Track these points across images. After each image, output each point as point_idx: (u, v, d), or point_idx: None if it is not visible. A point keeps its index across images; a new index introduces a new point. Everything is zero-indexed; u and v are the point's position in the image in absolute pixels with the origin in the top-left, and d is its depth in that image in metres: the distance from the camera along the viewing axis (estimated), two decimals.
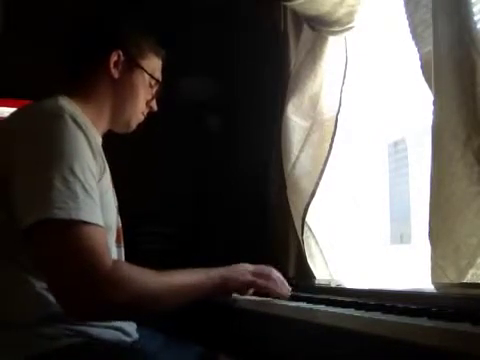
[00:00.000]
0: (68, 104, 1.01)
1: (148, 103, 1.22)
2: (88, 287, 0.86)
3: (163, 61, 1.24)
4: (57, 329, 0.93)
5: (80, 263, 0.86)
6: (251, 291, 1.16)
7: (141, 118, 1.23)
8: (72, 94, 1.08)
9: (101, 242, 0.90)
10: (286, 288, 1.19)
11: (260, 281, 1.13)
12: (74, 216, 0.87)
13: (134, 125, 1.22)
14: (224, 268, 1.10)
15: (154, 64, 1.22)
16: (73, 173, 0.90)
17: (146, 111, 1.23)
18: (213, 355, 1.25)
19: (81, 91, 1.12)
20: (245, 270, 1.12)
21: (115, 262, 0.93)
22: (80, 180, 0.90)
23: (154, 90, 1.23)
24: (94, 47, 1.15)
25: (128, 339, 1.06)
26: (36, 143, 0.93)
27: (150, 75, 1.20)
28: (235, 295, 1.19)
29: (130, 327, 1.08)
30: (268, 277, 1.16)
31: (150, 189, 2.24)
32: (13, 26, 2.23)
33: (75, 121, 0.95)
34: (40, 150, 0.92)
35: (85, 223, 0.88)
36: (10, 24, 2.23)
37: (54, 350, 0.91)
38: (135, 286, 0.91)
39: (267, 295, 1.19)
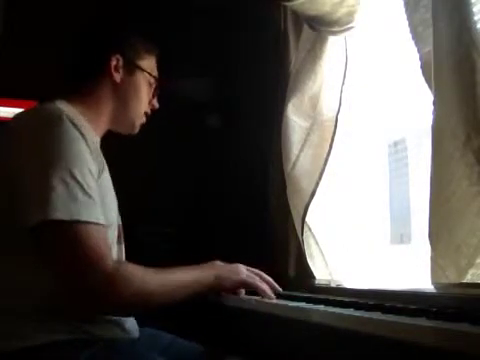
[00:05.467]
0: (66, 107, 1.04)
1: (150, 102, 1.25)
2: (91, 285, 0.90)
3: (157, 59, 1.26)
4: (56, 323, 0.95)
5: (83, 262, 0.90)
6: (243, 291, 1.21)
7: (144, 119, 1.25)
8: (72, 97, 1.11)
9: (102, 241, 0.94)
10: (276, 290, 1.22)
11: (251, 280, 1.18)
12: (75, 217, 0.90)
13: (138, 126, 1.25)
14: (218, 267, 1.15)
15: (151, 63, 1.24)
16: (72, 175, 0.93)
17: (149, 110, 1.25)
18: (215, 354, 1.26)
19: (81, 95, 1.14)
20: (238, 270, 1.17)
21: (116, 261, 0.98)
22: (79, 182, 0.93)
23: (153, 88, 1.25)
24: (93, 54, 1.18)
25: (127, 336, 1.08)
26: (36, 146, 0.96)
27: (150, 74, 1.22)
28: (244, 296, 1.22)
29: (129, 324, 1.10)
30: (259, 278, 1.20)
31: (150, 189, 2.24)
32: (13, 26, 2.23)
33: (73, 123, 0.98)
34: (40, 153, 0.95)
35: (86, 223, 0.91)
36: (10, 24, 2.23)
37: (51, 343, 0.93)
38: (136, 284, 0.94)
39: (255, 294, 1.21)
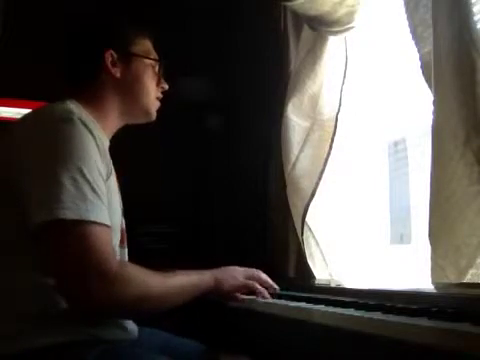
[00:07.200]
0: (76, 107, 1.03)
1: (158, 85, 1.22)
2: (93, 286, 0.89)
3: (151, 39, 1.23)
4: (58, 325, 0.94)
5: (88, 262, 0.89)
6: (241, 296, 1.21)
7: (158, 103, 1.23)
8: (80, 98, 1.09)
9: (108, 242, 0.93)
10: (273, 289, 1.25)
11: (251, 283, 1.20)
12: (83, 216, 0.90)
13: (154, 112, 1.22)
14: (217, 270, 1.15)
15: (145, 46, 1.21)
16: (82, 174, 0.92)
17: (160, 94, 1.23)
18: (214, 354, 1.26)
19: (87, 96, 1.12)
20: (236, 273, 1.18)
21: (120, 262, 0.97)
22: (89, 181, 0.92)
23: (157, 70, 1.22)
24: (86, 56, 1.15)
25: (128, 337, 1.08)
26: (46, 145, 0.95)
27: (147, 57, 1.19)
28: (243, 296, 1.22)
29: (130, 325, 1.09)
30: (258, 280, 1.22)
31: (150, 189, 2.24)
32: (13, 26, 2.23)
33: (84, 124, 0.97)
34: (50, 152, 0.94)
35: (94, 223, 0.91)
36: (10, 24, 2.23)
37: (53, 345, 0.92)
38: (138, 286, 0.94)
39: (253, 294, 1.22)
